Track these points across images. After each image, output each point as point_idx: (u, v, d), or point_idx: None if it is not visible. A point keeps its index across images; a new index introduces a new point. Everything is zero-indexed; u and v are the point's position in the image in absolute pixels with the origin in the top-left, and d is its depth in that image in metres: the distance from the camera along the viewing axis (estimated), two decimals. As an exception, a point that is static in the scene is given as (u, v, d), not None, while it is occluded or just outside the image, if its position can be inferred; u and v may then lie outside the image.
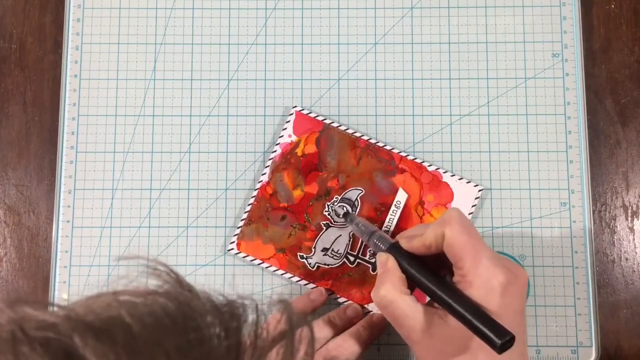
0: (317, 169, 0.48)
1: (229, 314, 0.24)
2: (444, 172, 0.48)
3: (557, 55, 0.51)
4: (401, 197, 0.47)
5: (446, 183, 0.48)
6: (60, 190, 0.50)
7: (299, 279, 0.47)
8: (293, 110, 0.49)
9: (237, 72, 0.51)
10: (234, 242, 0.48)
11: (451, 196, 0.48)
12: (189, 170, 0.50)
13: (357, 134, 0.49)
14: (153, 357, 0.21)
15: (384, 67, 0.51)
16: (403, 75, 0.51)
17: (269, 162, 0.48)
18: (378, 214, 0.47)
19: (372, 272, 0.46)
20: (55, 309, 0.22)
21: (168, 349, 0.21)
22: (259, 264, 0.47)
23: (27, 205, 0.51)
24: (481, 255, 0.36)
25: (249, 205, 0.48)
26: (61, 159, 0.50)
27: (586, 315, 0.48)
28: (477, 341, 0.34)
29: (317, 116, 0.49)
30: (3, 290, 0.50)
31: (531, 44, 0.51)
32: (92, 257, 0.49)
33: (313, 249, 0.47)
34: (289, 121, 0.49)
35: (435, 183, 0.48)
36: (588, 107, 0.51)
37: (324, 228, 0.47)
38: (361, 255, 0.47)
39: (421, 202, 0.47)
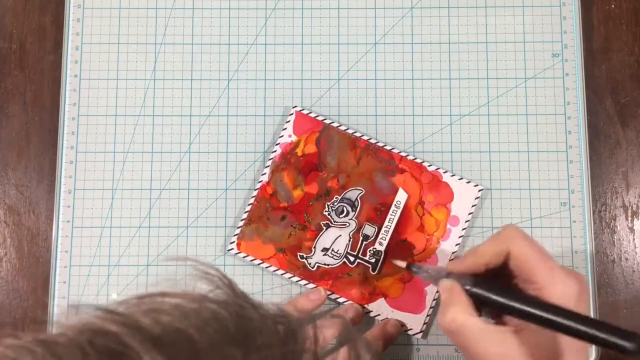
0: (317, 168, 0.48)
1: (289, 332, 0.23)
2: (444, 172, 0.48)
3: (557, 55, 0.51)
4: (401, 197, 0.47)
5: (446, 183, 0.48)
6: (60, 190, 0.50)
7: (299, 279, 0.47)
8: (293, 110, 0.49)
9: (237, 72, 0.51)
10: (234, 242, 0.48)
11: (451, 196, 0.47)
12: (189, 170, 0.50)
13: (357, 134, 0.49)
14: None
15: (384, 67, 0.51)
16: (403, 75, 0.51)
17: (269, 162, 0.48)
18: (378, 214, 0.47)
19: (372, 272, 0.47)
20: (113, 313, 0.22)
21: None
22: (259, 264, 0.47)
23: (27, 205, 0.51)
24: (553, 266, 0.36)
25: (249, 205, 0.48)
26: (61, 159, 0.50)
27: (586, 315, 0.48)
28: (560, 351, 0.34)
29: (317, 116, 0.49)
30: (3, 290, 0.50)
31: (531, 44, 0.51)
32: (92, 257, 0.49)
33: (313, 249, 0.47)
34: (289, 121, 0.49)
35: (435, 183, 0.48)
36: (588, 107, 0.51)
37: (324, 228, 0.47)
38: (361, 255, 0.47)
39: (421, 202, 0.47)
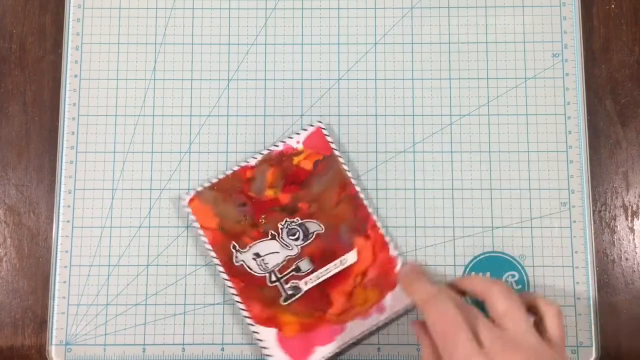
0: (300, 185, 0.47)
1: None
2: (398, 262, 0.46)
3: (557, 55, 0.51)
4: (351, 258, 0.46)
5: (396, 275, 0.46)
6: (60, 190, 0.50)
7: (218, 263, 0.46)
8: (316, 125, 0.48)
9: (237, 72, 0.51)
10: (190, 195, 0.47)
11: (391, 287, 0.46)
12: (189, 170, 0.50)
13: (353, 180, 0.47)
14: None
15: (384, 67, 0.51)
16: (403, 75, 0.51)
17: (265, 152, 0.48)
18: (321, 258, 0.46)
19: (281, 302, 0.46)
20: None
21: None
22: (197, 228, 0.47)
23: (27, 205, 0.51)
24: None
25: (223, 174, 0.48)
26: (61, 159, 0.50)
27: (586, 315, 0.48)
28: None
29: (332, 142, 0.48)
30: (3, 290, 0.50)
31: (531, 44, 0.51)
32: (92, 257, 0.49)
33: (248, 248, 0.46)
34: (305, 130, 0.48)
35: (386, 267, 0.46)
36: (588, 107, 0.51)
37: (269, 237, 0.47)
38: (283, 281, 0.46)
39: (364, 274, 0.46)
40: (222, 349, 0.48)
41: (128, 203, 0.50)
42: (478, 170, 0.50)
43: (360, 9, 0.52)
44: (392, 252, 0.46)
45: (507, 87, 0.51)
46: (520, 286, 0.48)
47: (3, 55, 0.52)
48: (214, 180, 0.47)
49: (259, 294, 0.46)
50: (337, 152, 0.48)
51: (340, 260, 0.46)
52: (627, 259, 0.49)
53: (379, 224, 0.47)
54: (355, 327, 0.45)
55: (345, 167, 0.48)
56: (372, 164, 0.50)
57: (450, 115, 0.50)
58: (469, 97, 0.51)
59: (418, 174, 0.50)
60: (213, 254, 0.46)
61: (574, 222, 0.49)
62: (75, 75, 0.51)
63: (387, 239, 0.46)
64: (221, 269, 0.46)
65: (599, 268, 0.49)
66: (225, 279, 0.46)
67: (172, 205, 0.50)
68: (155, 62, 0.51)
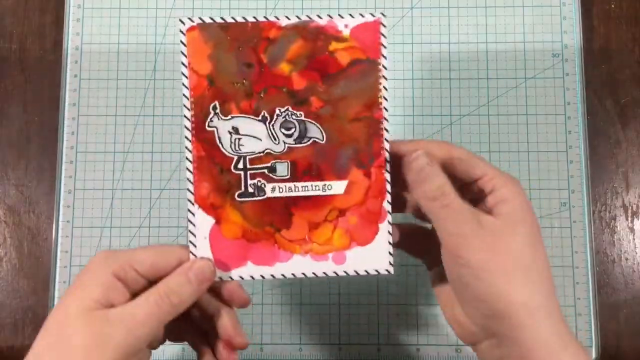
0: (324, 77, 0.37)
1: None
2: (385, 220, 0.37)
3: (557, 55, 0.51)
4: (337, 188, 0.37)
5: (377, 228, 0.37)
6: (60, 190, 0.50)
7: (188, 118, 0.36)
8: (378, 16, 0.37)
9: (237, 72, 0.51)
10: (192, 22, 0.38)
11: (363, 242, 0.37)
12: (189, 170, 0.50)
13: (385, 104, 0.37)
14: None
15: (384, 67, 0.51)
16: (403, 75, 0.51)
17: (304, 17, 0.37)
18: (303, 172, 0.37)
19: (235, 196, 0.36)
20: None
21: None
22: (181, 66, 0.37)
23: (27, 205, 0.51)
24: (488, 163, 0.36)
25: (243, 19, 0.38)
26: (61, 159, 0.50)
27: (586, 315, 0.48)
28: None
29: (385, 47, 0.37)
30: (3, 290, 0.50)
31: (531, 44, 0.51)
32: (92, 257, 0.49)
33: (229, 117, 0.36)
34: (362, 16, 0.37)
35: (371, 219, 0.37)
36: (588, 107, 0.51)
37: (259, 117, 0.37)
38: (250, 175, 0.37)
39: (341, 212, 0.37)
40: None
41: (128, 203, 0.50)
42: (478, 170, 0.50)
43: (360, 9, 0.52)
44: (387, 205, 0.37)
45: (507, 87, 0.51)
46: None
47: (3, 55, 0.52)
48: (229, 20, 0.38)
49: (215, 175, 0.36)
50: (384, 62, 0.37)
51: (325, 185, 0.37)
52: (627, 259, 0.49)
53: (388, 167, 0.37)
54: (300, 264, 0.37)
55: (384, 83, 0.37)
56: (372, 164, 0.50)
57: (450, 115, 0.50)
58: (469, 97, 0.51)
59: (418, 174, 0.50)
60: (187, 103, 0.36)
61: (574, 222, 0.49)
62: (75, 75, 0.51)
63: (389, 187, 0.37)
64: (188, 124, 0.36)
65: (599, 268, 0.49)
66: (187, 139, 0.36)
67: (172, 205, 0.50)
68: (155, 62, 0.51)
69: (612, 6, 0.52)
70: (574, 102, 0.50)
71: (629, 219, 0.50)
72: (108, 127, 0.51)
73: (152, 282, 0.33)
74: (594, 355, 0.47)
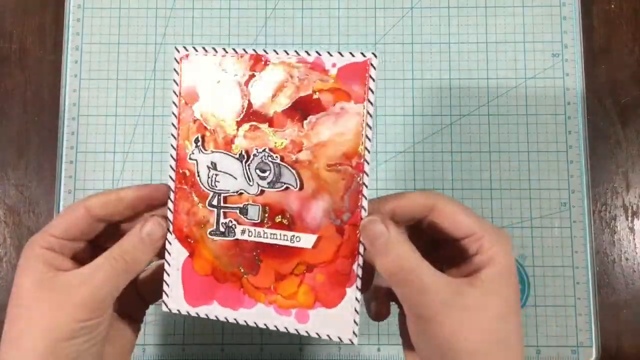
0: (305, 119, 0.34)
1: None
2: (352, 284, 0.34)
3: (557, 55, 0.51)
4: (305, 242, 0.34)
5: (344, 292, 0.34)
6: (60, 190, 0.50)
7: (174, 146, 0.36)
8: (369, 56, 0.33)
9: (237, 72, 0.51)
10: (187, 51, 0.36)
11: (328, 304, 0.34)
12: (189, 170, 0.50)
13: (367, 158, 0.34)
14: None
15: (384, 67, 0.51)
16: (403, 75, 0.51)
17: (292, 54, 0.36)
18: (276, 219, 0.35)
19: (208, 234, 0.35)
20: None
21: None
22: (172, 93, 0.36)
23: (27, 205, 0.51)
24: (479, 217, 0.32)
25: (234, 51, 0.36)
26: (61, 159, 0.50)
27: (586, 315, 0.48)
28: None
29: (373, 92, 0.34)
30: (3, 290, 0.50)
31: (531, 44, 0.51)
32: (92, 257, 0.49)
33: (210, 152, 0.35)
34: (352, 55, 0.34)
35: (338, 281, 0.34)
36: (588, 107, 0.51)
37: (237, 155, 0.35)
38: (223, 214, 0.35)
39: (309, 268, 0.34)
40: (222, 349, 0.48)
41: (128, 203, 0.50)
42: (478, 170, 0.50)
43: (360, 9, 0.52)
44: (357, 268, 0.34)
45: (507, 87, 0.51)
46: (520, 286, 0.48)
47: (3, 55, 0.52)
48: (221, 52, 0.36)
49: (192, 207, 0.36)
50: (370, 108, 0.33)
51: (293, 236, 0.35)
52: (627, 259, 0.49)
53: (363, 213, 0.34)
54: (263, 314, 0.35)
55: (368, 133, 0.33)
56: (372, 164, 0.50)
57: (450, 115, 0.50)
58: (469, 97, 0.51)
59: (418, 174, 0.50)
60: (174, 132, 0.35)
61: (574, 222, 0.49)
62: (75, 75, 0.51)
63: (362, 250, 0.33)
64: (174, 154, 0.36)
65: (599, 268, 0.49)
66: (172, 168, 0.36)
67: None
68: (155, 62, 0.51)
69: (612, 6, 0.52)
70: (574, 102, 0.50)
71: (629, 219, 0.50)
72: (108, 127, 0.51)
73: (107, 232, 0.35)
74: (594, 355, 0.47)
